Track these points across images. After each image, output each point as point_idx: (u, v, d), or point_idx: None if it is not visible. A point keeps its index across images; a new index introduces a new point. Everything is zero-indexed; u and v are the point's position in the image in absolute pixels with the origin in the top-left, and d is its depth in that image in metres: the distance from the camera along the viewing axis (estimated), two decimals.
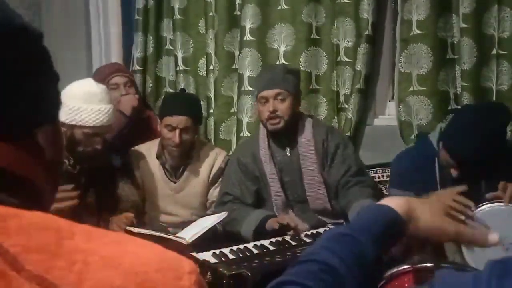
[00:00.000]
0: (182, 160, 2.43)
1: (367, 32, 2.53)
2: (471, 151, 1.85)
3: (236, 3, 2.85)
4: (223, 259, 1.80)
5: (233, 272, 1.64)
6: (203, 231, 2.03)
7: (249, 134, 2.79)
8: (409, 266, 1.25)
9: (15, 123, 0.53)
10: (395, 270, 1.25)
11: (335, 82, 2.71)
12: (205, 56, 2.99)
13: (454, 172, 1.95)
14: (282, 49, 2.74)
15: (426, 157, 2.06)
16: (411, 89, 2.50)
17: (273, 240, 2.02)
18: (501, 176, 1.80)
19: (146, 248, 0.48)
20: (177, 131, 2.30)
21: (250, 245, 1.96)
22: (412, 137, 2.49)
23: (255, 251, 1.90)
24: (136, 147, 2.52)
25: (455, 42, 2.45)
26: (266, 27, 2.76)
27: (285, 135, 2.32)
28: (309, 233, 2.10)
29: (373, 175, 2.53)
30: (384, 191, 2.46)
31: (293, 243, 1.99)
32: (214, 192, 2.46)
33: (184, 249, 1.88)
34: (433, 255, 1.33)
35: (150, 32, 3.17)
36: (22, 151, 0.53)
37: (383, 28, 2.66)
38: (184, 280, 0.46)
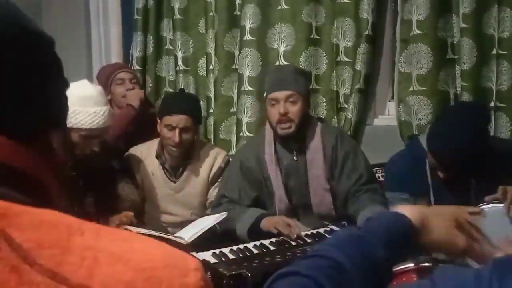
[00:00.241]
0: (182, 159, 2.43)
1: (367, 32, 2.53)
2: (453, 153, 1.86)
3: (236, 3, 2.85)
4: (223, 259, 1.80)
5: (233, 272, 1.64)
6: (202, 231, 2.03)
7: (249, 134, 2.79)
8: (412, 264, 1.25)
9: (28, 125, 0.55)
10: (399, 268, 1.25)
11: (335, 82, 2.72)
12: (205, 56, 2.99)
13: (441, 174, 1.96)
14: (282, 49, 2.74)
15: (417, 159, 2.06)
16: (411, 89, 2.50)
17: (273, 240, 2.01)
18: (489, 174, 1.81)
19: (153, 246, 0.49)
20: (177, 131, 2.30)
21: (250, 245, 1.95)
22: None
23: (255, 251, 1.89)
24: (135, 147, 2.52)
25: (455, 42, 2.45)
26: (266, 27, 2.76)
27: (293, 140, 2.24)
28: (309, 233, 2.09)
29: None
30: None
31: (294, 243, 1.99)
32: (214, 192, 2.45)
33: (183, 249, 1.87)
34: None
35: (150, 32, 3.17)
36: (35, 152, 0.55)
37: (383, 28, 2.66)
38: (189, 277, 0.47)
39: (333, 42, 2.70)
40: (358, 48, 2.56)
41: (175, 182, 2.45)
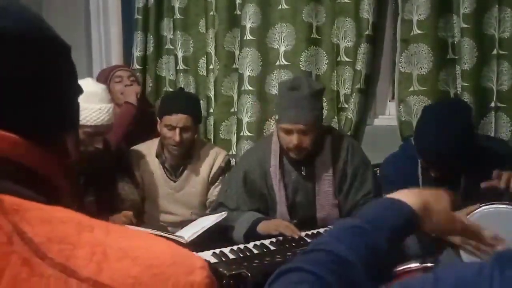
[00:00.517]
0: (182, 159, 2.43)
1: (367, 32, 2.53)
2: (438, 152, 1.86)
3: (237, 2, 2.85)
4: (223, 259, 1.80)
5: (233, 272, 1.64)
6: (202, 231, 2.03)
7: (249, 134, 2.79)
8: (416, 264, 1.25)
9: (44, 128, 0.58)
10: (402, 267, 1.25)
11: (335, 82, 2.71)
12: (205, 56, 2.99)
13: (432, 173, 1.97)
14: (282, 48, 2.74)
15: (409, 160, 2.07)
16: (411, 89, 2.50)
17: (273, 240, 2.01)
18: (481, 173, 1.80)
19: (160, 243, 0.51)
20: (177, 130, 2.30)
21: (250, 245, 1.95)
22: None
23: (255, 251, 1.89)
24: (135, 146, 2.52)
25: (455, 42, 2.45)
26: (267, 27, 2.75)
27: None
28: (309, 233, 2.09)
29: None
30: None
31: (294, 243, 1.99)
32: (214, 192, 2.45)
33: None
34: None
35: (150, 32, 3.17)
36: (49, 153, 0.57)
37: (383, 28, 2.66)
38: (195, 275, 0.48)
39: (334, 42, 2.69)
40: (359, 48, 2.56)
41: (175, 182, 2.45)
